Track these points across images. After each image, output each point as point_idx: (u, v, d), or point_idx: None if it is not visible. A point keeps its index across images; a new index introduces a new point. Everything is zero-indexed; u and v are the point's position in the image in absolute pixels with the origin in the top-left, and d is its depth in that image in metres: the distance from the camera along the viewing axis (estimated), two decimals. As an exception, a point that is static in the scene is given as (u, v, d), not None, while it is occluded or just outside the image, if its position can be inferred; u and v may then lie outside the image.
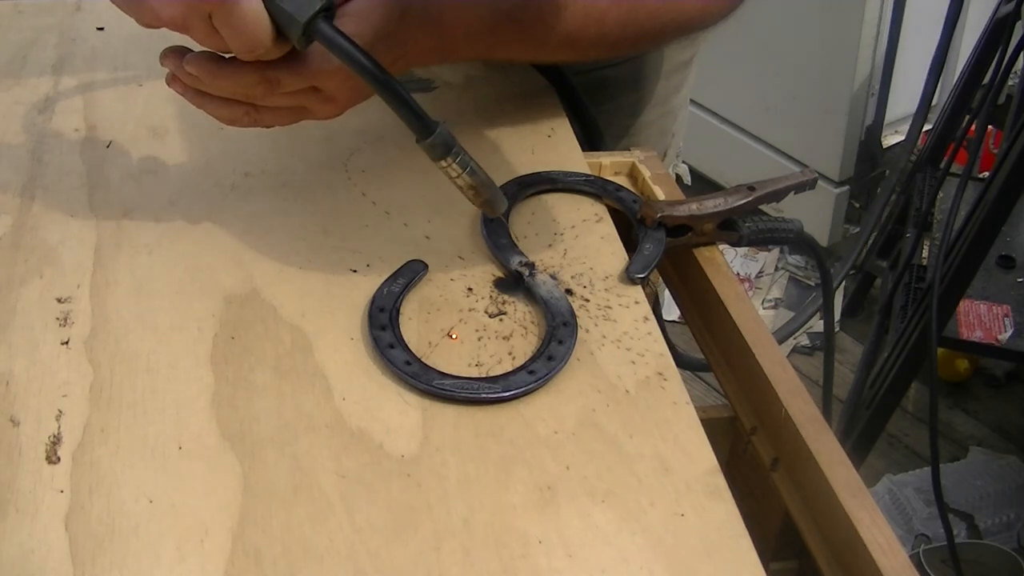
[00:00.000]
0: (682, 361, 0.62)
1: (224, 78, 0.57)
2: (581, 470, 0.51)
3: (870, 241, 1.97)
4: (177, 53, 0.58)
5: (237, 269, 0.63)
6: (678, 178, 1.03)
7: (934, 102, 1.90)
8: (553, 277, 0.63)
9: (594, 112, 0.83)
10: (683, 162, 1.08)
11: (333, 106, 0.62)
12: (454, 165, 0.57)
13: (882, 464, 1.84)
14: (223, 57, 0.57)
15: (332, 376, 0.56)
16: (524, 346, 0.59)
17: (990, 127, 1.97)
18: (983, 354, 1.91)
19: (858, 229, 2.34)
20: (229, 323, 0.59)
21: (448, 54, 0.66)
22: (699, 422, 0.54)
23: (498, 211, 0.61)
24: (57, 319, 0.59)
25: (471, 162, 0.58)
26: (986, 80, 1.56)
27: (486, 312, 0.61)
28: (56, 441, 0.52)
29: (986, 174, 1.49)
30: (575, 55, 0.72)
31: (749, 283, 2.29)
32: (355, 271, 0.64)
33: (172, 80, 0.60)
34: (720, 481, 0.51)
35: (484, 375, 0.56)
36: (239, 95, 0.59)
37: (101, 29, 0.91)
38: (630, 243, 0.68)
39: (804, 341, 2.16)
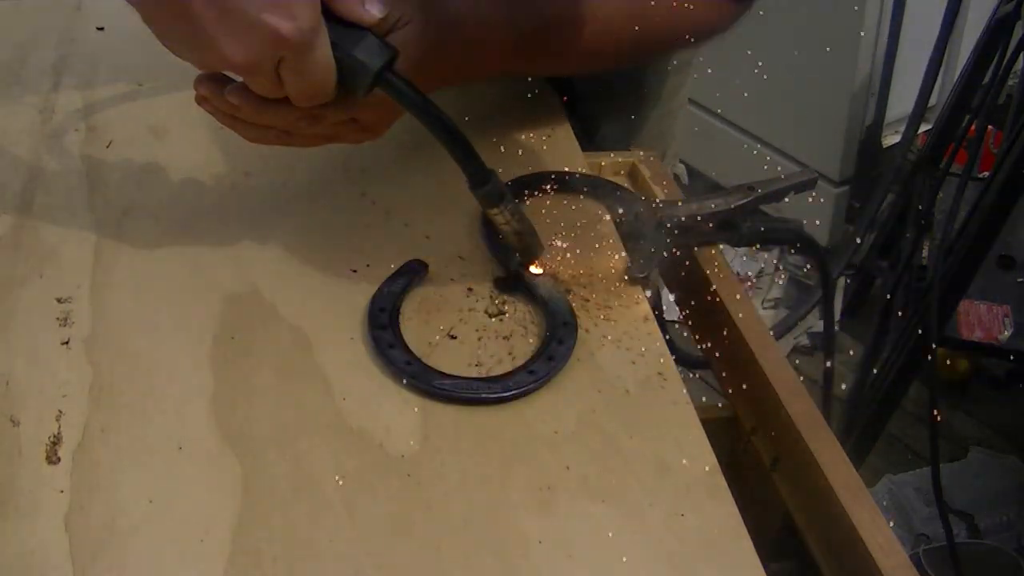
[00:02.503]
0: (682, 359, 0.62)
1: (269, 112, 0.57)
2: (581, 470, 0.51)
3: (865, 240, 1.96)
4: (214, 81, 0.57)
5: (237, 269, 0.63)
6: (675, 178, 1.03)
7: (933, 102, 1.90)
8: (553, 277, 0.63)
9: (595, 113, 0.84)
10: (680, 162, 1.08)
11: (368, 134, 0.62)
12: (504, 213, 0.59)
13: (882, 464, 1.84)
14: None
15: (332, 376, 0.56)
16: (524, 346, 0.59)
17: (990, 127, 1.96)
18: (983, 354, 1.90)
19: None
20: (229, 323, 0.59)
21: (470, 76, 0.67)
22: (699, 422, 0.54)
23: (534, 256, 0.63)
24: (57, 319, 0.59)
25: (519, 210, 0.60)
26: (986, 80, 1.56)
27: (486, 312, 0.61)
28: (56, 441, 0.51)
29: (986, 174, 1.49)
30: (589, 69, 0.73)
31: (749, 283, 2.29)
32: (355, 271, 0.64)
33: (203, 101, 0.58)
34: (720, 481, 0.51)
35: (484, 375, 0.56)
36: (278, 126, 0.59)
37: (101, 29, 0.91)
38: (630, 243, 0.68)
39: (804, 341, 2.16)
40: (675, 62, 0.95)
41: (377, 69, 0.54)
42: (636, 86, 0.93)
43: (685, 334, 0.72)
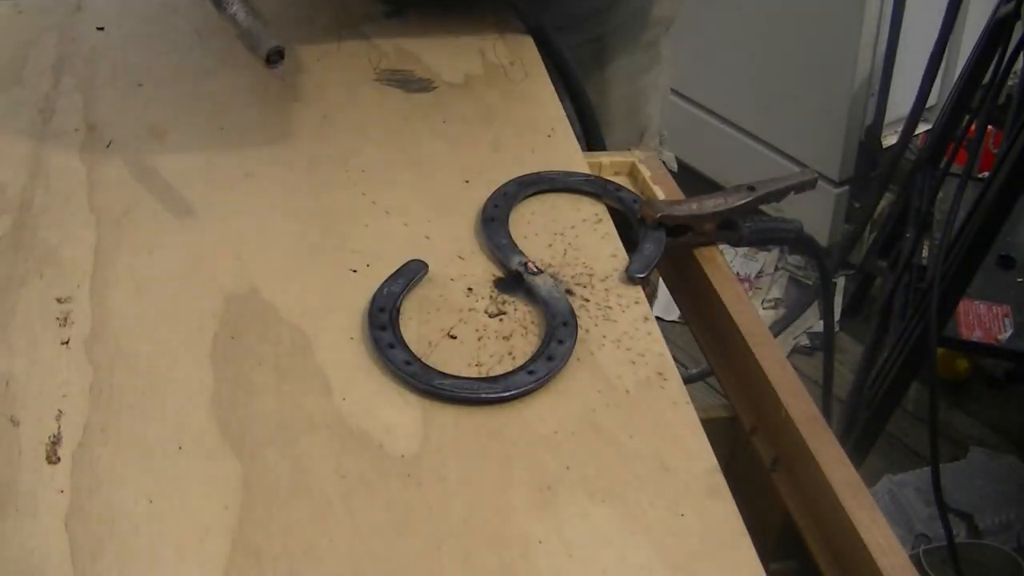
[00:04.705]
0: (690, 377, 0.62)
1: None
2: (581, 470, 0.51)
3: (865, 240, 1.97)
4: None
5: (237, 269, 0.63)
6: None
7: (933, 102, 1.90)
8: (553, 277, 0.63)
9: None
10: (667, 150, 1.09)
11: None
12: (226, 14, 0.64)
13: (882, 464, 1.84)
14: None
15: (332, 376, 0.56)
16: (524, 346, 0.59)
17: (990, 127, 1.97)
18: (983, 354, 1.90)
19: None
20: (229, 323, 0.59)
21: None
22: (699, 422, 0.54)
23: (261, 50, 0.65)
24: (57, 319, 0.59)
25: (239, 10, 0.64)
26: (986, 80, 1.56)
27: (486, 312, 0.61)
28: (56, 441, 0.52)
29: (986, 174, 1.49)
30: None
31: (749, 283, 2.29)
32: (355, 271, 0.64)
33: None
34: (720, 481, 0.51)
35: (484, 375, 0.56)
36: None
37: (101, 29, 0.91)
38: (630, 243, 0.68)
39: (804, 341, 2.16)
40: (639, 42, 0.97)
41: None
42: (599, 62, 0.95)
43: (685, 334, 0.72)
